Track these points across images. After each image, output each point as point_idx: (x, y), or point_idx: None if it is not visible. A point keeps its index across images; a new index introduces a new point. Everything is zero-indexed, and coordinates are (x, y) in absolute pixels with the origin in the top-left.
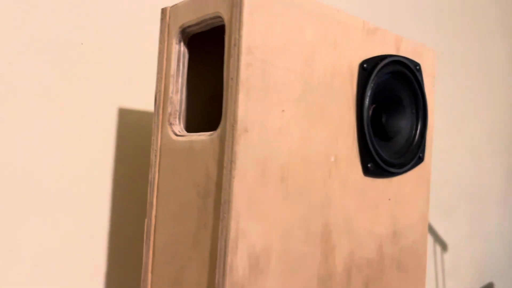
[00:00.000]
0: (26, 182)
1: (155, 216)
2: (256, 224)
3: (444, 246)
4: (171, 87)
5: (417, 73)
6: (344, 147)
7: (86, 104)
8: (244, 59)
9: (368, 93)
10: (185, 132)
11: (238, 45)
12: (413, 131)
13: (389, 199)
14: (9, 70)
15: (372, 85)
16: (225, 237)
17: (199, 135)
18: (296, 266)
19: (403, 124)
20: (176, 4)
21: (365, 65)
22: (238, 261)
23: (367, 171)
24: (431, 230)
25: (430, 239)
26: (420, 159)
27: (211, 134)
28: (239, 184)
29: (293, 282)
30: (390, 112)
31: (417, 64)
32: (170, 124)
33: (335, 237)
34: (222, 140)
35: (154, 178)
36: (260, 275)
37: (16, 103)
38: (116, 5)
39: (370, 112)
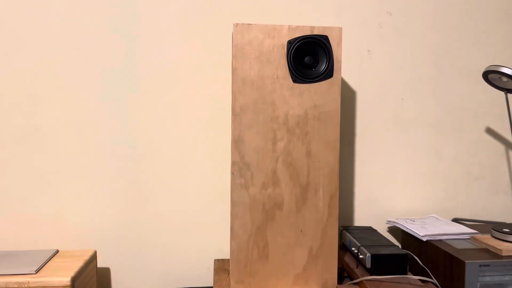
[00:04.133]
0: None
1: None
2: (242, 96)
3: None
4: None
5: (325, 40)
6: (281, 72)
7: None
8: (234, 47)
9: (291, 51)
10: None
11: (233, 44)
12: (326, 64)
13: (310, 92)
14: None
15: (293, 48)
16: (233, 99)
17: None
18: (260, 112)
19: (321, 62)
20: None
21: (290, 42)
22: (237, 108)
23: (294, 81)
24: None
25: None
26: (329, 76)
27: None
28: (236, 86)
29: (258, 117)
30: (314, 57)
31: (325, 36)
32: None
33: (277, 104)
34: (233, 74)
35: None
36: (244, 112)
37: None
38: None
39: (306, 59)
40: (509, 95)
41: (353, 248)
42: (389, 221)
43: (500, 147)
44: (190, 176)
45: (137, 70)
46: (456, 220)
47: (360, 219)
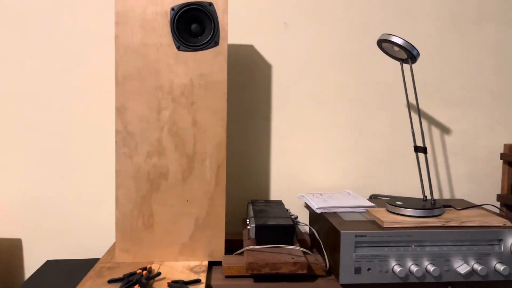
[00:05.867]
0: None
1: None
2: (124, 64)
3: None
4: None
5: (210, 7)
6: (165, 40)
7: None
8: (116, 14)
9: (175, 18)
10: None
11: (115, 11)
12: (211, 32)
13: (196, 60)
14: None
15: (176, 15)
16: (116, 67)
17: None
18: (144, 80)
19: (207, 30)
20: None
21: (173, 8)
22: (119, 77)
23: (178, 48)
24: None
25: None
26: (215, 44)
27: None
28: (118, 54)
29: (142, 86)
30: (200, 25)
31: (209, 3)
32: None
33: (162, 72)
34: (116, 42)
35: None
36: (127, 81)
37: None
38: None
39: (192, 27)
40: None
41: (247, 220)
42: (301, 195)
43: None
44: (101, 149)
45: (39, 45)
46: (374, 196)
47: (276, 195)
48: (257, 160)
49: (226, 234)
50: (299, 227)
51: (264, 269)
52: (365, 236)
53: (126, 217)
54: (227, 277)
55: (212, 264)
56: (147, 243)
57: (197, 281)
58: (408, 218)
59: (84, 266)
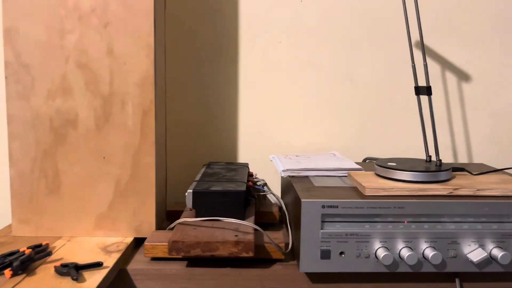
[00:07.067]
0: None
1: None
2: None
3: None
4: None
5: None
6: None
7: None
8: None
9: None
10: None
11: None
12: None
13: None
14: None
15: None
16: None
17: None
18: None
19: None
20: None
21: None
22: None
23: None
24: None
25: None
26: None
27: None
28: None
29: (43, 15)
30: None
31: None
32: None
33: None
34: None
35: None
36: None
37: None
38: None
39: None
40: None
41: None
42: (272, 157)
43: (431, 67)
44: None
45: None
46: (369, 160)
47: (245, 158)
48: (222, 113)
49: (177, 204)
50: (269, 197)
51: (195, 251)
52: (337, 206)
53: (24, 177)
54: (153, 259)
55: (143, 242)
56: (53, 212)
57: (97, 265)
58: (401, 183)
59: None
